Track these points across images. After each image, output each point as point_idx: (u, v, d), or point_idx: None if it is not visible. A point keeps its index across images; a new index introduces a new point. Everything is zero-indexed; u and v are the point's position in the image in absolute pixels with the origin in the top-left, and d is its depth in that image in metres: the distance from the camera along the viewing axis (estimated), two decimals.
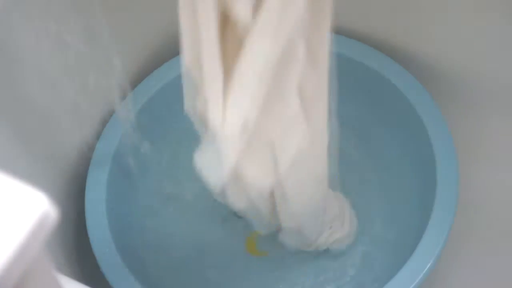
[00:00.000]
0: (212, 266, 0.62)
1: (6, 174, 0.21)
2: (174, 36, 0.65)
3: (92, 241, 0.52)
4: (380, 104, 0.61)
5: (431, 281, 0.59)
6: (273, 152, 0.41)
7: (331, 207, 0.55)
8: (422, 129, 0.55)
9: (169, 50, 0.64)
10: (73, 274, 0.54)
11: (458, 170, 0.53)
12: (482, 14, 0.51)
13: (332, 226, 0.57)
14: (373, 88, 0.61)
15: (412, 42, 0.59)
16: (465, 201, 0.55)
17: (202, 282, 0.61)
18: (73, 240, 0.57)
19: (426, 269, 0.48)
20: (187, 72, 0.38)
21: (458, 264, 0.61)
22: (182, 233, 0.64)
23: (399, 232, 0.60)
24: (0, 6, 0.40)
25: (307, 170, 0.44)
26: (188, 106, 0.43)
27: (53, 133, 0.53)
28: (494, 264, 0.60)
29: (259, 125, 0.37)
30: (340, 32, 0.62)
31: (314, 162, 0.45)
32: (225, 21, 0.32)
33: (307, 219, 0.52)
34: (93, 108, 0.59)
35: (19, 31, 0.44)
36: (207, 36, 0.33)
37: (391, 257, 0.59)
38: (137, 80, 0.61)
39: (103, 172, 0.56)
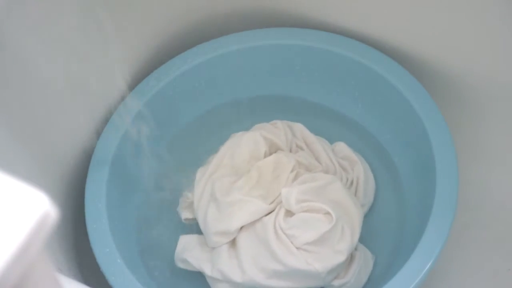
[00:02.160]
0: None
1: (6, 174, 0.21)
2: (174, 36, 0.65)
3: (92, 241, 0.52)
4: (380, 104, 0.61)
5: (431, 281, 0.59)
6: None
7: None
8: (422, 129, 0.55)
9: (169, 50, 0.64)
10: (73, 274, 0.54)
11: (458, 170, 0.53)
12: (483, 15, 0.51)
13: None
14: (373, 88, 0.61)
15: (412, 42, 0.59)
16: (465, 201, 0.55)
17: (202, 281, 0.61)
18: (73, 240, 0.57)
19: (426, 269, 0.48)
20: None
21: (458, 264, 0.61)
22: (181, 231, 0.64)
23: (399, 232, 0.60)
24: (1, 6, 0.40)
25: None
26: None
27: (53, 133, 0.53)
28: (494, 264, 0.60)
29: None
30: (340, 32, 0.62)
31: None
32: None
33: None
34: (93, 108, 0.59)
35: (19, 31, 0.44)
36: None
37: (391, 257, 0.59)
38: (137, 80, 0.61)
39: (103, 172, 0.56)
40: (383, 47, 0.60)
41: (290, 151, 0.64)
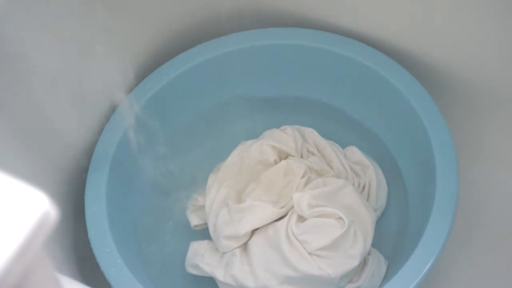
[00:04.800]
0: None
1: (6, 174, 0.21)
2: (174, 36, 0.65)
3: (92, 241, 0.52)
4: (380, 104, 0.61)
5: (431, 281, 0.59)
6: None
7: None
8: (422, 129, 0.55)
9: (169, 50, 0.64)
10: (73, 274, 0.54)
11: (458, 170, 0.53)
12: (483, 15, 0.51)
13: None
14: (373, 88, 0.61)
15: (412, 42, 0.59)
16: (465, 201, 0.55)
17: (202, 282, 0.61)
18: (73, 240, 0.57)
19: (426, 269, 0.48)
20: None
21: (458, 264, 0.61)
22: (181, 231, 0.64)
23: (399, 232, 0.60)
24: (0, 5, 0.40)
25: None
26: None
27: (53, 133, 0.53)
28: (494, 264, 0.60)
29: None
30: (340, 32, 0.62)
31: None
32: None
33: None
34: (93, 108, 0.59)
35: (19, 31, 0.44)
36: None
37: (391, 257, 0.59)
38: (137, 80, 0.61)
39: (103, 172, 0.56)
40: (383, 47, 0.60)
41: (302, 156, 0.64)
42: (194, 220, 0.63)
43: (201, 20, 0.65)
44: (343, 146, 0.66)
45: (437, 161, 0.53)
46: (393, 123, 0.61)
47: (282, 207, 0.59)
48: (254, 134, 0.66)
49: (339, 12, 0.61)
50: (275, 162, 0.62)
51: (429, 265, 0.48)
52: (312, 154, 0.64)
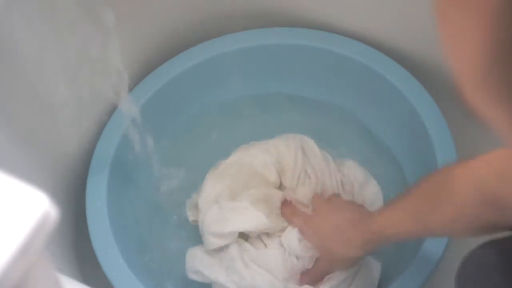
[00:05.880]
0: None
1: (7, 174, 0.21)
2: (174, 36, 0.65)
3: (94, 241, 0.52)
4: (381, 103, 0.61)
5: (432, 281, 0.59)
6: None
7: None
8: (423, 130, 0.55)
9: (169, 50, 0.64)
10: (73, 274, 0.54)
11: None
12: None
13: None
14: (374, 88, 0.61)
15: (412, 42, 0.59)
16: None
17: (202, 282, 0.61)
18: (73, 240, 0.57)
19: (428, 270, 0.48)
20: None
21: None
22: (181, 231, 0.64)
23: None
24: (0, 6, 0.40)
25: None
26: None
27: (53, 134, 0.53)
28: None
29: None
30: (341, 33, 0.62)
31: None
32: None
33: None
34: (93, 109, 0.58)
35: (19, 31, 0.44)
36: None
37: (391, 258, 0.59)
38: (137, 80, 0.61)
39: (103, 172, 0.56)
40: (383, 47, 0.60)
41: (298, 177, 0.62)
42: (192, 216, 0.63)
43: (201, 20, 0.65)
44: (343, 146, 0.65)
45: (438, 161, 0.53)
46: (394, 122, 0.61)
47: (273, 224, 0.59)
48: (254, 134, 0.66)
49: (339, 12, 0.61)
50: (274, 180, 0.62)
51: (431, 267, 0.48)
52: (309, 177, 0.63)
